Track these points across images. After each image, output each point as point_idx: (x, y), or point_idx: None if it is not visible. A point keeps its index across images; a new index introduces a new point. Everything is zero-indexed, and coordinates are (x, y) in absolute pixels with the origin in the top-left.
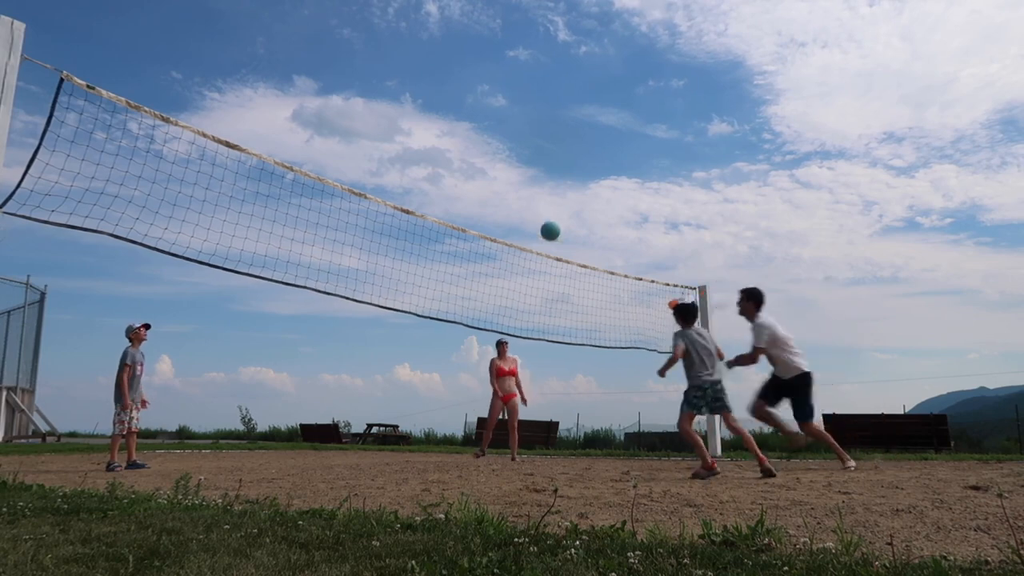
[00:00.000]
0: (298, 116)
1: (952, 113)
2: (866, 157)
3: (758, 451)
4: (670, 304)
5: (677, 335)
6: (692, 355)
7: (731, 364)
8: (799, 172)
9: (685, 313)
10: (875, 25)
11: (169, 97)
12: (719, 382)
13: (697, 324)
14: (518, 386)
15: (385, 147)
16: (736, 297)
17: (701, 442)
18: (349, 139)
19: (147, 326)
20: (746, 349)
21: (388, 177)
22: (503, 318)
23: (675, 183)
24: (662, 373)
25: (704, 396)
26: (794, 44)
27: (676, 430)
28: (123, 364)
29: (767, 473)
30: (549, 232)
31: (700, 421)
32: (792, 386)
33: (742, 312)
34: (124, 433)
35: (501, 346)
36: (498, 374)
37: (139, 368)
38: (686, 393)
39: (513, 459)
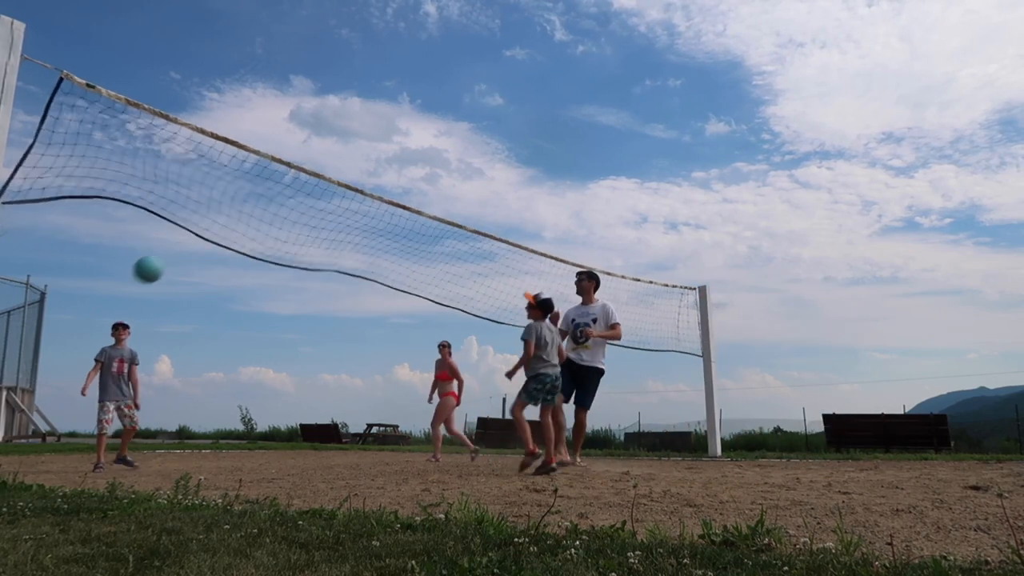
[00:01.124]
0: (296, 116)
1: (951, 113)
2: (865, 157)
3: (551, 447)
4: (527, 295)
5: (529, 328)
6: (539, 348)
7: (597, 335)
8: (798, 172)
9: (545, 308)
10: (874, 25)
11: (168, 97)
12: (559, 376)
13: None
14: (459, 386)
15: (383, 147)
16: (579, 278)
17: (529, 430)
18: (347, 139)
19: (121, 326)
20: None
21: (386, 177)
22: (503, 317)
23: (674, 183)
24: (511, 374)
25: (543, 388)
26: (793, 44)
27: (676, 430)
28: (95, 360)
29: (543, 469)
30: (145, 271)
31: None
32: (591, 375)
33: (582, 292)
34: (102, 432)
35: (440, 349)
36: (438, 379)
37: (115, 365)
38: (527, 383)
39: (474, 452)
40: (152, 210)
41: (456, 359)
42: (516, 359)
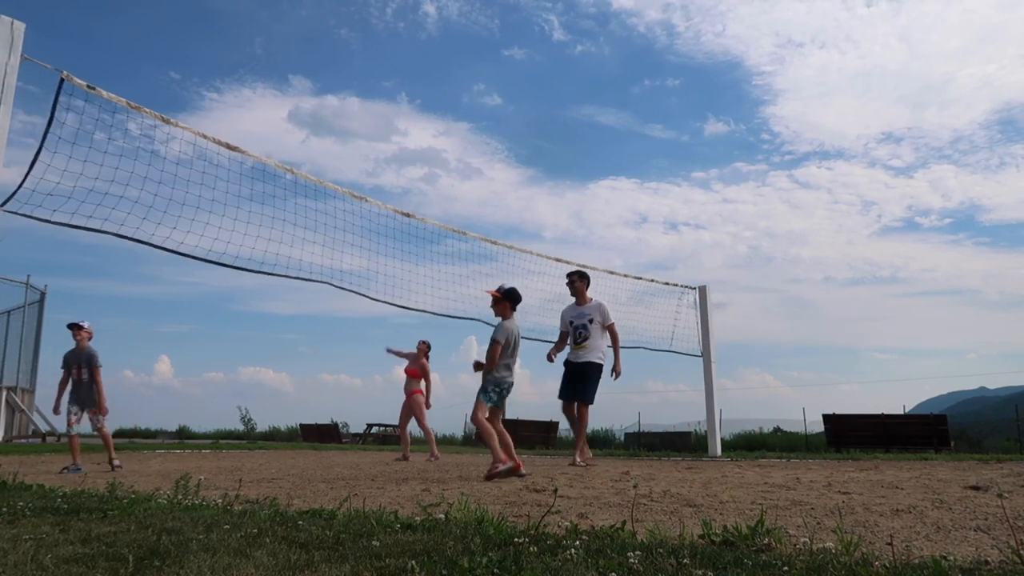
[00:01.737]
0: (296, 116)
1: (950, 113)
2: (865, 157)
3: (499, 450)
4: (490, 292)
5: (502, 328)
6: (505, 351)
7: (616, 372)
8: (798, 172)
9: (512, 298)
10: (872, 26)
11: (168, 97)
12: (512, 386)
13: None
14: (428, 388)
15: (382, 147)
16: (571, 279)
17: (496, 436)
18: (346, 139)
19: (74, 326)
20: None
21: (385, 177)
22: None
23: (674, 183)
24: (479, 369)
25: (500, 393)
26: (792, 45)
27: (676, 430)
28: (61, 368)
29: (507, 473)
30: None
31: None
32: (589, 369)
33: (576, 292)
34: (72, 434)
35: (418, 346)
36: (408, 374)
37: (74, 372)
38: (486, 384)
39: (405, 458)
40: (151, 243)
41: (455, 360)
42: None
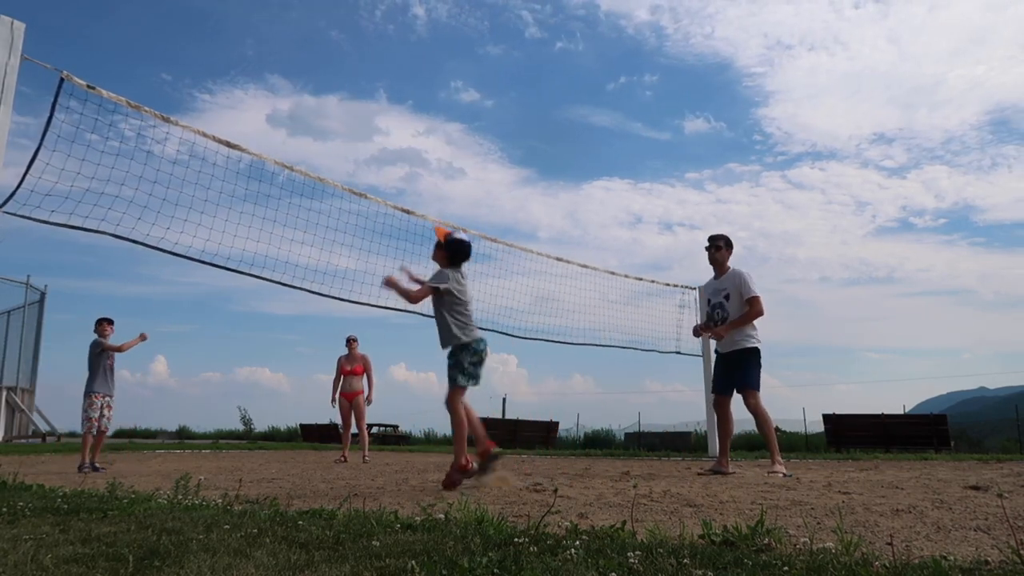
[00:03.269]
0: (285, 117)
1: (941, 114)
2: (857, 158)
3: (465, 451)
4: (438, 230)
5: (441, 273)
6: (459, 302)
7: (712, 331)
8: (791, 173)
9: (457, 249)
10: (860, 28)
11: (160, 99)
12: (486, 343)
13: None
14: (369, 384)
15: (373, 148)
16: (712, 244)
17: (466, 431)
18: (335, 139)
19: (107, 321)
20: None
21: (377, 177)
22: (501, 317)
23: (668, 184)
24: (410, 298)
25: (480, 361)
26: (781, 47)
27: (676, 430)
28: (102, 349)
29: (482, 469)
30: None
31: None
32: (746, 355)
33: (714, 262)
34: (89, 431)
35: (348, 344)
36: (342, 373)
37: (108, 358)
38: (458, 357)
39: (364, 460)
40: (145, 243)
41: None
42: (509, 359)
